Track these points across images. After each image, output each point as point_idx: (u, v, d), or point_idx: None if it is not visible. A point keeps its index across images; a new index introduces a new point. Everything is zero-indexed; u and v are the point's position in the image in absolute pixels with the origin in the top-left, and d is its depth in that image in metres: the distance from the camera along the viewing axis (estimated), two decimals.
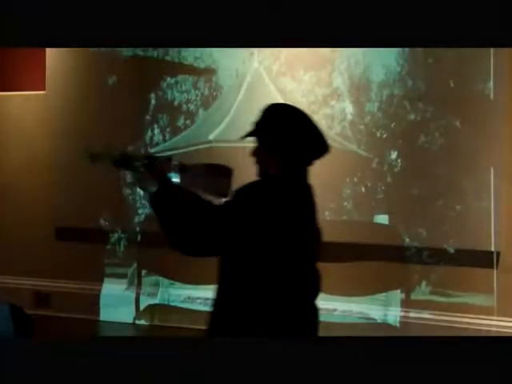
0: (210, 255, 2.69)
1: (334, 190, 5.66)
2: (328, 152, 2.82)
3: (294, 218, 2.71)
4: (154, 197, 2.72)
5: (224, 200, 2.73)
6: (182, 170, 2.81)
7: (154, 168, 2.79)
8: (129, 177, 2.78)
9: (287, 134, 2.76)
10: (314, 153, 2.82)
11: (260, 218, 2.62)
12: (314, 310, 2.86)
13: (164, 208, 2.68)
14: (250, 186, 2.69)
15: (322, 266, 2.87)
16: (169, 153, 6.08)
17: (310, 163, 2.83)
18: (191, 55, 6.21)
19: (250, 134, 2.82)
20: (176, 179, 2.80)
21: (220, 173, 2.81)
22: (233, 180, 2.80)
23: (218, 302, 2.77)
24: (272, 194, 2.68)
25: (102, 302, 6.59)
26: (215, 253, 2.69)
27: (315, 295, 2.86)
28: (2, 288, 6.66)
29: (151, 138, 6.33)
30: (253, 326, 2.69)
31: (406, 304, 5.71)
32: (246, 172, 2.82)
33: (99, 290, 6.60)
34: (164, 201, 2.69)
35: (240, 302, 2.70)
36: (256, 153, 2.81)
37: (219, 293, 2.76)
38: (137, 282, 6.52)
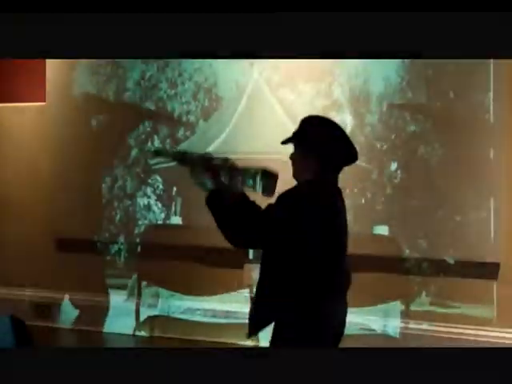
0: (255, 248, 3.38)
1: None
2: (356, 160, 3.13)
3: (326, 219, 2.99)
4: (210, 196, 2.96)
5: (268, 203, 2.94)
6: (236, 170, 2.99)
7: (211, 167, 2.99)
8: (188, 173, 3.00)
9: (319, 144, 3.03)
10: (343, 161, 3.11)
11: (298, 220, 2.89)
12: (343, 304, 3.06)
13: (218, 207, 2.93)
14: (289, 192, 2.94)
15: None
16: None
17: (339, 170, 3.14)
18: (190, 67, 6.23)
19: (287, 140, 3.08)
20: (229, 178, 3.00)
21: (268, 175, 2.99)
22: (277, 182, 3.01)
23: (258, 291, 3.00)
24: (307, 199, 2.94)
25: (103, 313, 6.58)
26: (260, 246, 3.03)
27: (345, 289, 3.08)
28: (3, 300, 6.65)
29: None
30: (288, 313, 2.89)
31: (406, 315, 5.70)
32: None
33: (100, 302, 6.59)
34: (218, 200, 2.93)
35: (277, 290, 2.93)
36: (292, 157, 3.09)
37: (260, 283, 3.00)
38: (137, 293, 6.51)
